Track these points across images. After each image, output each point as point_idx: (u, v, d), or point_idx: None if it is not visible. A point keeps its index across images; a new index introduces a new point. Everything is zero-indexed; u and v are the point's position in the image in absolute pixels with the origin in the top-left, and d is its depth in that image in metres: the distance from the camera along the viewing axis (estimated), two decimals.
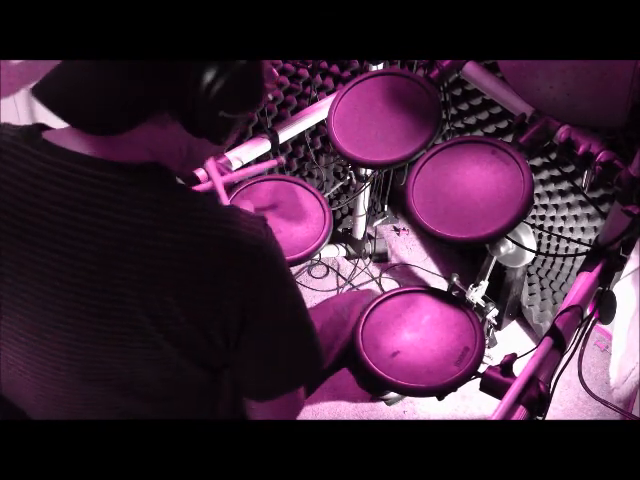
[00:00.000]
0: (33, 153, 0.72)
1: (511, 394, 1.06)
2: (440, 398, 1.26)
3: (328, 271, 2.23)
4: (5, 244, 0.72)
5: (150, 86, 0.70)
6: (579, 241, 1.72)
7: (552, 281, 1.98)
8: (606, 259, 1.36)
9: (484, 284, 1.80)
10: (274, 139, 1.60)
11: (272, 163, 1.49)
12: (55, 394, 0.80)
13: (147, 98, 0.70)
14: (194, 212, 0.72)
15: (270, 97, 1.75)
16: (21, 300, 0.74)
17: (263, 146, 1.59)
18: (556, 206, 1.81)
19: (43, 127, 0.76)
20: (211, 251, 0.72)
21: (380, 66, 1.68)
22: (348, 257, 2.16)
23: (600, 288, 1.35)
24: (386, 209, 2.36)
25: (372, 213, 2.20)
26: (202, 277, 0.72)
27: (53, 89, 0.72)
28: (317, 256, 2.09)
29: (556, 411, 1.84)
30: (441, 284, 2.17)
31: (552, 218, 1.85)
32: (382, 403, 1.84)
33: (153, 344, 0.73)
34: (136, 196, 0.70)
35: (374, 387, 1.75)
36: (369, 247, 2.13)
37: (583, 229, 1.76)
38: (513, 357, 1.16)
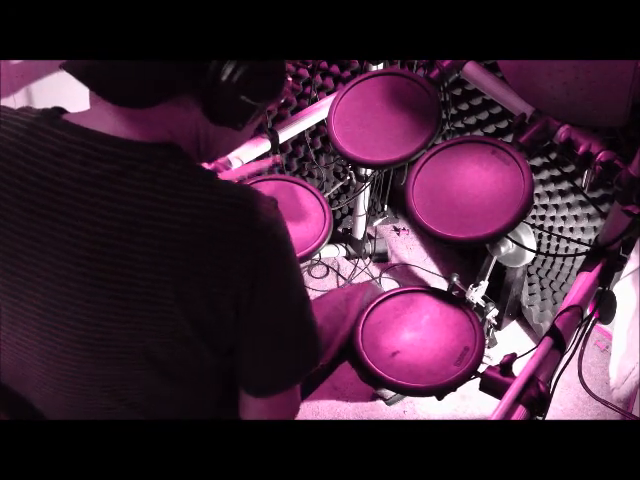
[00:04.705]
0: (54, 132, 0.74)
1: (511, 394, 1.06)
2: (440, 398, 1.26)
3: (328, 271, 2.23)
4: (26, 221, 0.73)
5: (174, 66, 0.71)
6: (579, 241, 1.72)
7: (552, 281, 1.98)
8: (606, 259, 1.36)
9: (484, 284, 1.80)
10: (274, 139, 1.60)
11: (267, 163, 1.41)
12: (64, 372, 0.81)
13: (171, 76, 0.72)
14: (208, 189, 0.74)
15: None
16: (39, 277, 0.75)
17: (263, 146, 1.59)
18: (556, 206, 1.81)
19: (62, 110, 0.78)
20: (224, 226, 0.73)
21: (380, 66, 1.68)
22: (348, 257, 2.16)
23: (600, 288, 1.35)
24: (386, 209, 2.36)
25: (372, 213, 2.20)
26: (215, 252, 0.73)
27: (83, 62, 0.74)
28: (317, 256, 2.09)
29: (556, 411, 1.84)
30: (441, 284, 2.17)
31: (552, 218, 1.84)
32: (382, 403, 1.84)
33: (167, 320, 0.74)
34: (152, 172, 0.72)
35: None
36: (369, 247, 2.13)
37: (583, 229, 1.75)
38: (513, 357, 1.16)
